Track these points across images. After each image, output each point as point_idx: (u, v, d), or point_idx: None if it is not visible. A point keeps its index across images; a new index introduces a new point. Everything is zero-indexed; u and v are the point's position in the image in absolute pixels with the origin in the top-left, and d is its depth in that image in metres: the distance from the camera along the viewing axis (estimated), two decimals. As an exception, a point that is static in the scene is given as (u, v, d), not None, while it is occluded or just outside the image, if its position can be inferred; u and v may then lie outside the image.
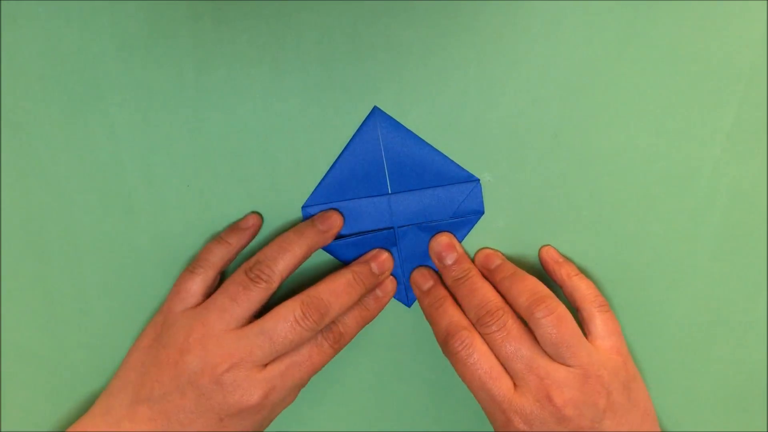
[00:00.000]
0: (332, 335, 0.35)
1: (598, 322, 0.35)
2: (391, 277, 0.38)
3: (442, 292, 0.37)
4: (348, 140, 0.37)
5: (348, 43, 0.35)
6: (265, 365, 0.33)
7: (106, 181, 0.37)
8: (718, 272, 0.38)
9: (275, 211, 0.38)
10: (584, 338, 0.34)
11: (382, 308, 0.37)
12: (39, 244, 0.38)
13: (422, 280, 0.38)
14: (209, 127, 0.36)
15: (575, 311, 0.36)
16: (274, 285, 0.34)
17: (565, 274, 0.37)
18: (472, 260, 0.38)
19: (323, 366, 0.35)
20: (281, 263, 0.34)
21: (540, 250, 0.38)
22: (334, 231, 0.37)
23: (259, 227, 0.37)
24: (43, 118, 0.36)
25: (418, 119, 0.37)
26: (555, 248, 0.38)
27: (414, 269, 0.38)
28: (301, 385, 0.35)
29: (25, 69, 0.36)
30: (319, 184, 0.37)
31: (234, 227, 0.37)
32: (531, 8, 0.35)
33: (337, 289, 0.35)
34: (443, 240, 0.37)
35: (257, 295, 0.34)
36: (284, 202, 0.38)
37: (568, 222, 0.38)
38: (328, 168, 0.37)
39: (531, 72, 0.36)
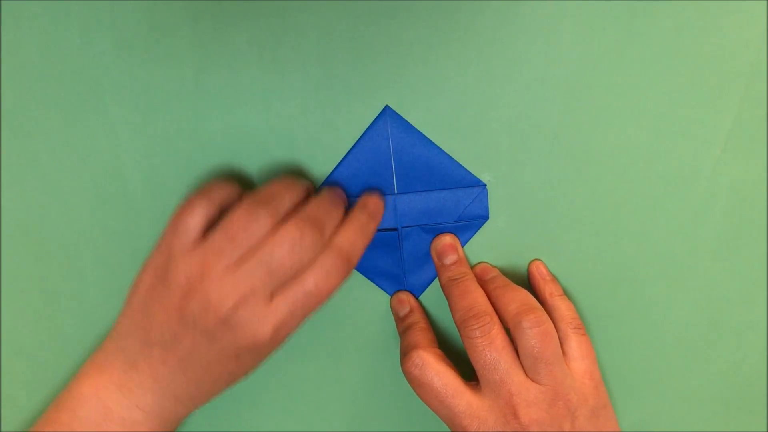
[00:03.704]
0: (341, 260, 0.32)
1: (573, 344, 0.35)
2: (377, 194, 0.37)
3: (413, 318, 0.38)
4: (348, 140, 0.37)
5: (348, 43, 0.35)
6: (272, 297, 0.31)
7: (106, 181, 0.37)
8: (718, 272, 0.38)
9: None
10: (563, 359, 0.34)
11: (377, 226, 0.36)
12: (39, 244, 0.38)
13: (399, 307, 0.38)
14: (209, 127, 0.36)
15: None
16: (276, 220, 0.32)
17: (548, 292, 0.37)
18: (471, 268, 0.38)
19: (333, 293, 0.32)
20: (287, 200, 0.33)
21: (530, 263, 0.38)
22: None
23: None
24: (43, 118, 0.36)
25: (417, 119, 0.37)
26: (544, 264, 0.38)
27: (392, 296, 0.39)
28: (314, 312, 0.33)
29: (25, 69, 0.36)
30: (326, 179, 0.37)
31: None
32: (531, 8, 0.35)
33: (328, 207, 0.33)
34: (446, 240, 0.37)
35: (257, 231, 0.32)
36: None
37: (567, 222, 0.38)
38: (329, 168, 0.37)
39: (531, 72, 0.36)
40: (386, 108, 0.36)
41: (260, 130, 0.37)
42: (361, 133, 0.37)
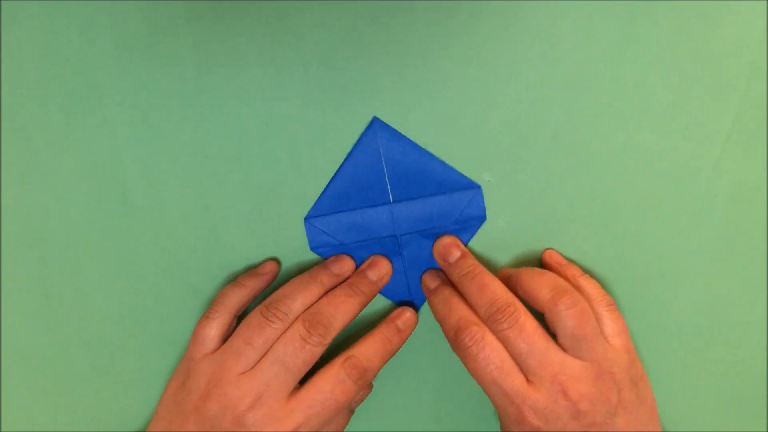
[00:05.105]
0: (356, 371, 0.34)
1: (607, 321, 0.35)
2: (412, 310, 0.38)
3: (450, 290, 0.37)
4: (348, 139, 0.37)
5: (348, 43, 0.35)
6: (289, 399, 0.33)
7: (106, 181, 0.37)
8: (718, 272, 0.38)
9: (277, 211, 0.38)
10: (601, 334, 0.34)
11: (404, 341, 0.37)
12: (39, 244, 0.38)
13: (430, 280, 0.38)
14: (209, 127, 0.36)
15: None
16: (289, 324, 0.34)
17: (570, 275, 0.37)
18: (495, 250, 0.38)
19: (348, 402, 0.34)
20: (298, 302, 0.35)
21: (543, 254, 0.38)
22: (347, 274, 0.37)
23: (276, 273, 0.38)
24: (43, 118, 0.36)
25: (418, 119, 0.37)
26: (557, 251, 0.38)
27: (424, 272, 0.38)
28: (330, 420, 0.34)
29: (25, 69, 0.36)
30: (321, 195, 0.37)
31: (252, 272, 0.37)
32: (531, 8, 0.35)
33: (336, 302, 0.35)
34: (446, 240, 0.37)
35: (272, 334, 0.34)
36: (285, 202, 0.37)
37: (567, 222, 0.38)
38: (329, 167, 0.37)
39: (531, 72, 0.36)
40: (374, 119, 0.36)
41: (260, 129, 0.37)
42: (361, 133, 0.37)
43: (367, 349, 0.35)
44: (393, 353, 0.37)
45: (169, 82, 0.36)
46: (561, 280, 0.35)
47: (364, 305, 0.36)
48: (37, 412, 0.39)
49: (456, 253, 0.37)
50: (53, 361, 0.39)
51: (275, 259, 0.38)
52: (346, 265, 0.37)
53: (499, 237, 0.38)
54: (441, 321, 0.36)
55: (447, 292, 0.37)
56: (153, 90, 0.36)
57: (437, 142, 0.37)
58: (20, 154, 0.37)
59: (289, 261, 0.38)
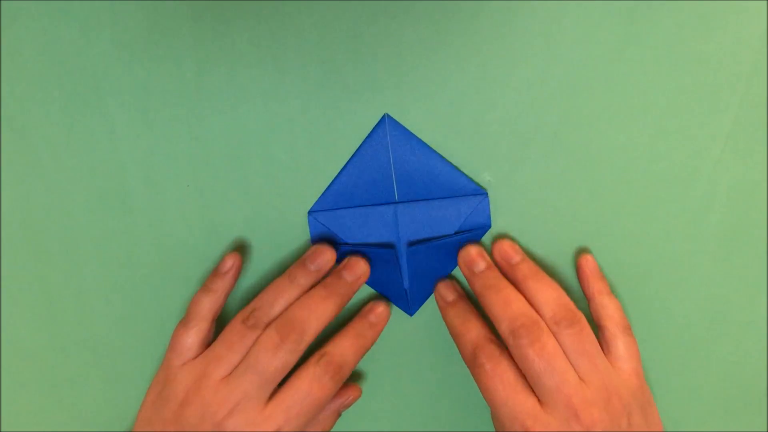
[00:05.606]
0: (331, 368, 0.34)
1: (621, 344, 0.35)
2: (384, 304, 0.38)
3: (467, 304, 0.37)
4: (348, 140, 0.37)
5: (348, 43, 0.35)
6: (267, 404, 0.33)
7: (106, 181, 0.37)
8: (718, 272, 0.38)
9: (277, 211, 0.38)
10: (602, 352, 0.34)
11: (378, 335, 0.37)
12: (39, 244, 0.38)
13: (447, 291, 0.37)
14: (209, 127, 0.37)
15: (597, 328, 0.36)
16: None
17: (597, 289, 0.37)
18: (490, 254, 0.37)
19: (327, 399, 0.34)
20: (277, 307, 0.35)
21: (580, 257, 0.37)
22: (326, 268, 0.36)
23: (240, 267, 0.37)
24: (43, 118, 0.36)
25: (417, 119, 0.37)
26: (593, 258, 0.37)
27: (439, 281, 0.38)
28: (311, 420, 0.34)
29: (25, 69, 0.36)
30: (327, 189, 0.37)
31: (215, 273, 0.36)
32: (531, 8, 0.35)
33: (310, 305, 0.34)
34: (472, 251, 0.37)
35: (253, 341, 0.34)
36: (285, 202, 0.38)
37: (567, 222, 0.38)
38: (330, 168, 0.37)
39: (531, 72, 0.36)
40: (385, 116, 0.36)
41: (260, 130, 0.37)
42: (361, 133, 0.37)
43: (340, 346, 0.35)
44: (367, 348, 0.36)
45: (169, 82, 0.36)
46: (564, 297, 0.34)
47: (341, 307, 0.35)
48: (37, 412, 0.39)
49: (481, 264, 0.36)
50: (53, 361, 0.39)
51: (236, 251, 0.37)
52: (324, 258, 0.36)
53: (498, 237, 0.38)
54: (457, 336, 0.36)
55: (464, 307, 0.37)
56: (153, 90, 0.36)
57: (437, 142, 0.37)
58: (20, 154, 0.37)
59: (289, 261, 0.38)
